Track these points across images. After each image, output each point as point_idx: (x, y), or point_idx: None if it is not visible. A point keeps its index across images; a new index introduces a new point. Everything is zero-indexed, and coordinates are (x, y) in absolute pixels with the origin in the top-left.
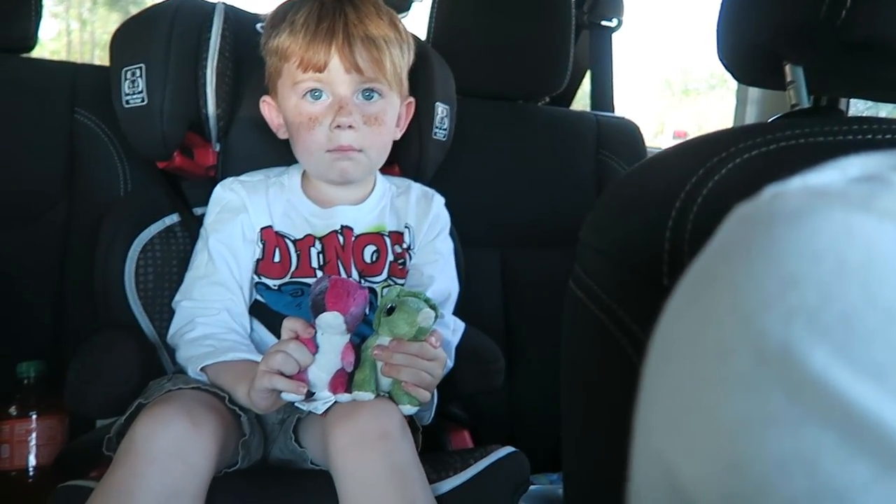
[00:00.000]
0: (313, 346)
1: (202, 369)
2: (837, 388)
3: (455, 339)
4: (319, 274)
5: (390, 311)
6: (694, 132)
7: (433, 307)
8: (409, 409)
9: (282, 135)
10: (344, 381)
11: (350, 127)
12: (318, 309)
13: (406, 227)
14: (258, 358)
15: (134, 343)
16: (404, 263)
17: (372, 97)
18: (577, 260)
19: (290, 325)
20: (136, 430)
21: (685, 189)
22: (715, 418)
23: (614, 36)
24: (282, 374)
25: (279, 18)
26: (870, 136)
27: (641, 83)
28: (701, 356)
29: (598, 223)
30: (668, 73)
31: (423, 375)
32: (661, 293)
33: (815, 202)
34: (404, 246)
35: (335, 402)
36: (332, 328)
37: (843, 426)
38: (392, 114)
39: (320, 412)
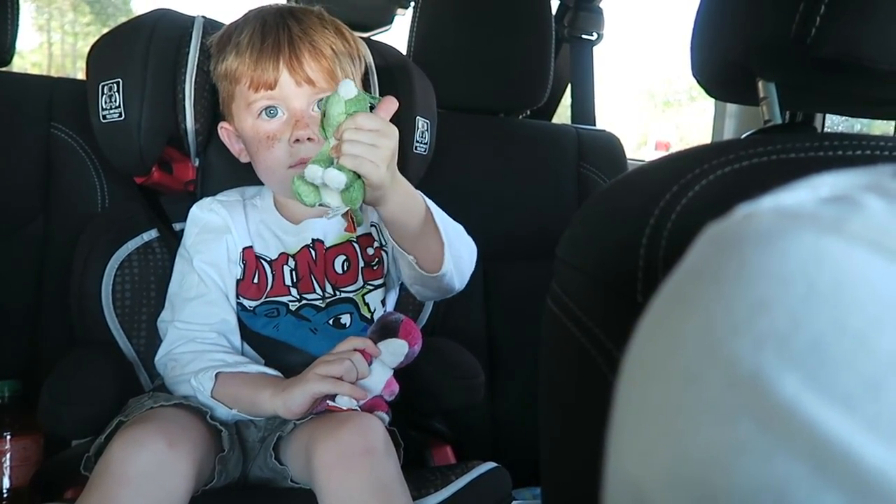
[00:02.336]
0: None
1: (216, 376)
2: (807, 417)
3: (452, 228)
4: (294, 292)
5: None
6: (676, 143)
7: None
8: (342, 178)
9: (243, 158)
10: (381, 404)
11: (309, 139)
12: (387, 334)
13: (372, 225)
14: (272, 372)
15: (110, 361)
16: (379, 262)
17: None
18: (553, 277)
19: (355, 342)
20: (112, 453)
21: (659, 206)
22: (686, 445)
23: (597, 48)
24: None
25: (224, 42)
26: (840, 153)
27: (624, 95)
28: (671, 380)
29: (573, 240)
30: (651, 85)
31: (364, 148)
32: (636, 311)
33: (786, 224)
34: (375, 246)
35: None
36: (392, 356)
37: (814, 456)
38: None
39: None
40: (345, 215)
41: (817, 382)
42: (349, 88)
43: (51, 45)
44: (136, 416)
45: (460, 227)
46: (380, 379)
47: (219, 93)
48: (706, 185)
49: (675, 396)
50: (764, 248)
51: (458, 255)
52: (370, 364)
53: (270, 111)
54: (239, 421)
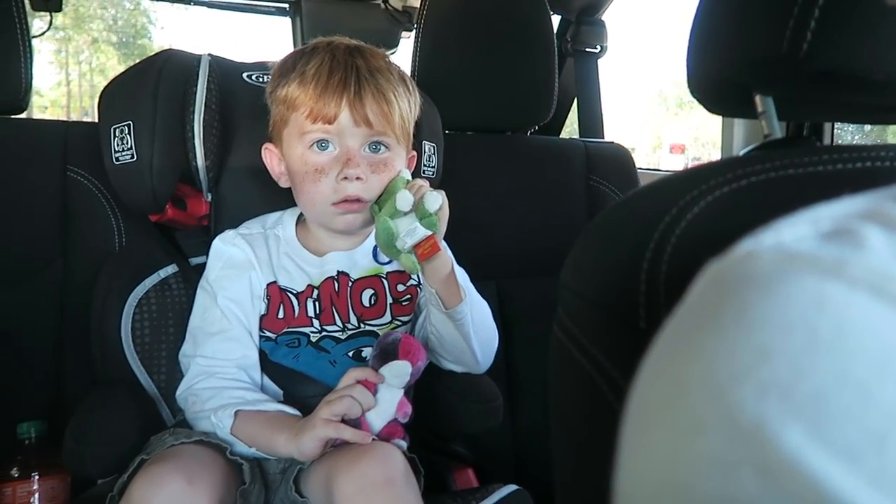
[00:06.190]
0: (374, 393)
1: (235, 413)
2: (812, 472)
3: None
4: (316, 323)
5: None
6: (691, 145)
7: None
8: (438, 195)
9: (283, 183)
10: (397, 429)
11: (357, 178)
12: (388, 357)
13: None
14: (290, 411)
15: (132, 399)
16: (410, 300)
17: (379, 150)
18: (558, 302)
19: (355, 374)
20: (133, 492)
21: (659, 229)
22: (691, 497)
23: (608, 54)
24: (343, 420)
25: (288, 67)
26: (840, 166)
27: (638, 100)
28: (674, 429)
29: (575, 265)
30: (663, 87)
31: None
32: (638, 337)
33: (786, 267)
34: (409, 284)
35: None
36: (397, 378)
37: None
38: (399, 164)
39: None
40: (419, 246)
41: (821, 435)
42: (406, 173)
43: (69, 83)
44: (156, 455)
45: (486, 307)
46: (390, 404)
47: (271, 115)
48: (705, 207)
49: (679, 446)
50: (765, 293)
51: (482, 314)
52: (376, 391)
53: (322, 144)
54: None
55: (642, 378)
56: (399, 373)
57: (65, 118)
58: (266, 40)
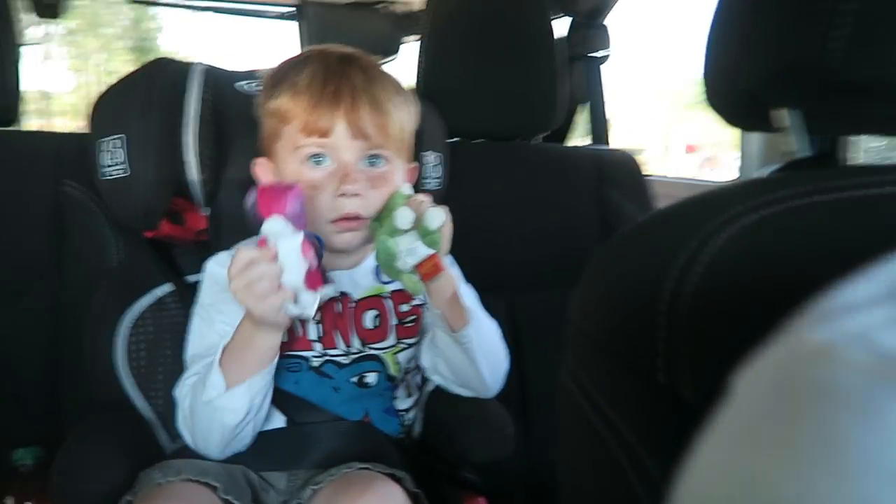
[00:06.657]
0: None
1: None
2: None
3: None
4: (318, 347)
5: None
6: (706, 145)
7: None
8: (441, 212)
9: None
10: (318, 276)
11: (356, 195)
12: (258, 222)
13: None
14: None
15: (124, 428)
16: (415, 320)
17: (377, 163)
18: (569, 346)
19: (241, 256)
20: None
21: (678, 266)
22: None
23: (621, 55)
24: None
25: (279, 78)
26: (873, 191)
27: (650, 100)
28: None
29: (584, 302)
30: (675, 86)
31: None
32: (656, 393)
33: (886, 381)
34: (413, 304)
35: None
36: (278, 233)
37: None
38: (398, 177)
39: (313, 315)
40: (421, 265)
41: None
42: (407, 188)
43: (85, 87)
44: (143, 493)
45: (494, 327)
46: (293, 255)
47: (261, 128)
48: (729, 241)
49: None
50: (861, 418)
51: (489, 335)
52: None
53: (317, 159)
54: (256, 485)
55: (684, 497)
56: (275, 228)
57: (80, 123)
58: (275, 44)
